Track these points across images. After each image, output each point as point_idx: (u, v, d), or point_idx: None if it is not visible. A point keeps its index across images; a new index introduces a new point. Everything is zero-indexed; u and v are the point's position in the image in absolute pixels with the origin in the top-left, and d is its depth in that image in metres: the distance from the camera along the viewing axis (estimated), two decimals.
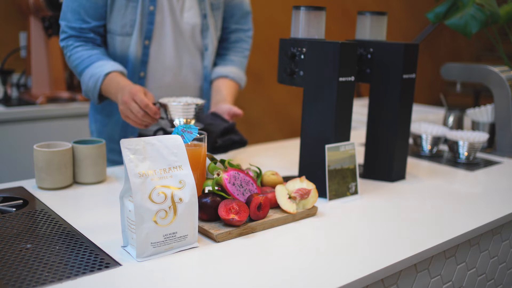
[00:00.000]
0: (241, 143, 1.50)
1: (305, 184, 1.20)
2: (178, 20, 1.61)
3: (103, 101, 1.59)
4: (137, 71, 1.60)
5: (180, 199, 0.96)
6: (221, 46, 1.81)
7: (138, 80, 1.61)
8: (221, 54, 1.80)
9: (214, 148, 1.45)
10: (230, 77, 1.72)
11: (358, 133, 2.05)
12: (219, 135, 1.46)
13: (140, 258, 0.93)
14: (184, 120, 1.35)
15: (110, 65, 1.51)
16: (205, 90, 1.72)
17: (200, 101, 1.38)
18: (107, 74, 1.48)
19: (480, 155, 1.85)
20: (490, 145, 1.94)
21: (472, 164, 1.72)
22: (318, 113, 1.32)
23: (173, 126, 1.36)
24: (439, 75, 2.00)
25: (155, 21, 1.57)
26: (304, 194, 1.18)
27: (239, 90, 1.78)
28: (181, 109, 1.33)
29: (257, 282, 0.88)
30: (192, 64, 1.68)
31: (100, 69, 1.50)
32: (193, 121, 1.36)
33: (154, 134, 1.45)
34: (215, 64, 1.78)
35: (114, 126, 1.69)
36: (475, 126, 1.96)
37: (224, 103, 1.60)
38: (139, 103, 1.33)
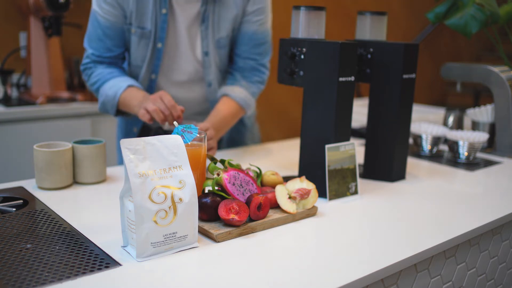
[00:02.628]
0: None
1: (305, 184, 1.20)
2: (183, 56, 1.65)
3: (119, 115, 1.64)
4: None
5: (180, 199, 0.96)
6: (234, 68, 1.75)
7: None
8: (231, 74, 1.75)
9: None
10: (231, 96, 1.64)
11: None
12: None
13: (140, 258, 0.93)
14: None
15: (131, 81, 1.58)
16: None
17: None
18: (128, 86, 1.55)
19: (480, 155, 1.85)
20: (490, 145, 1.94)
21: (472, 164, 1.72)
22: (318, 113, 1.32)
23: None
24: (439, 75, 2.00)
25: (162, 57, 1.63)
26: (304, 194, 1.18)
27: (238, 109, 1.65)
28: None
29: (257, 282, 0.88)
30: (196, 98, 1.73)
31: (121, 83, 1.57)
32: None
33: (154, 134, 1.46)
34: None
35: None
36: (475, 126, 1.96)
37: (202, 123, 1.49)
38: (166, 103, 1.38)
